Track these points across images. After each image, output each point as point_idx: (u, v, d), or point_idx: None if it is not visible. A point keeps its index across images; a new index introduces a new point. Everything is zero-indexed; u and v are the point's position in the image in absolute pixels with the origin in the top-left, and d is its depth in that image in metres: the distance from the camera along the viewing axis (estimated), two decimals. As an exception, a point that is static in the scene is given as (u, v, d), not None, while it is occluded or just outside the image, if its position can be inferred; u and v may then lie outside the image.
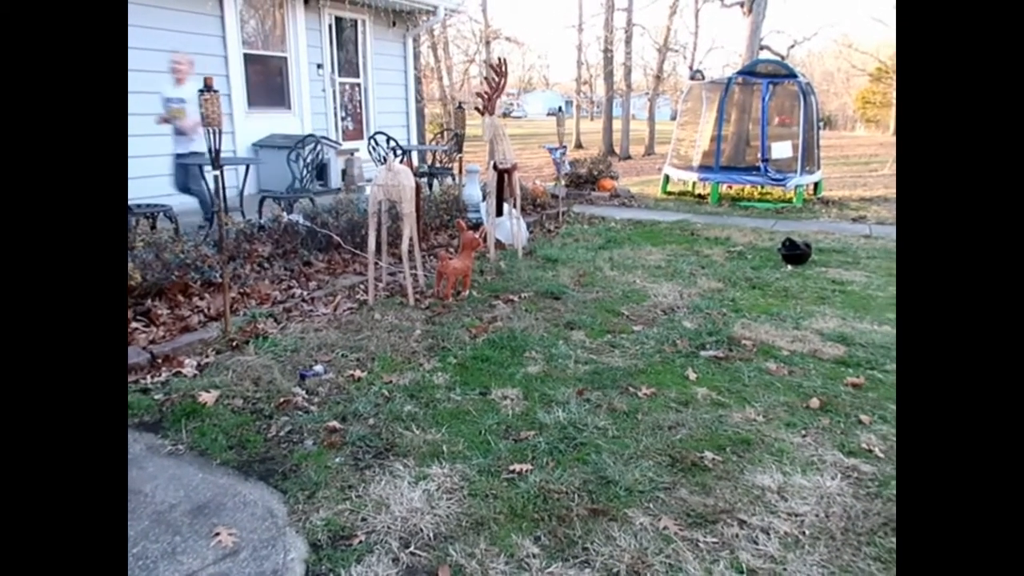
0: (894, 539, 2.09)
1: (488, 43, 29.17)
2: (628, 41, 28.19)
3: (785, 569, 1.97)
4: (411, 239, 4.66)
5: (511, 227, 6.19)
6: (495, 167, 5.74)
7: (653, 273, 5.62)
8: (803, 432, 2.83)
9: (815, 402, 3.10)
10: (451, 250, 5.78)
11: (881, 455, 2.63)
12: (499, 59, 5.69)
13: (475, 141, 15.91)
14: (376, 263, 4.82)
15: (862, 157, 21.19)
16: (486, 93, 5.57)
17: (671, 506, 2.29)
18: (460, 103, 10.36)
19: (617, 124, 28.08)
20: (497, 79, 5.53)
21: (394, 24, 10.02)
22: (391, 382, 3.31)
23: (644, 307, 4.64)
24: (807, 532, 2.14)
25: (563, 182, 9.34)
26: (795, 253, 6.07)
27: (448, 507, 2.27)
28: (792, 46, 27.53)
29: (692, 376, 3.42)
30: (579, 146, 29.03)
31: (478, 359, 3.61)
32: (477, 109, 5.65)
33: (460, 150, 8.16)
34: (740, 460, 2.60)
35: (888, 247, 6.91)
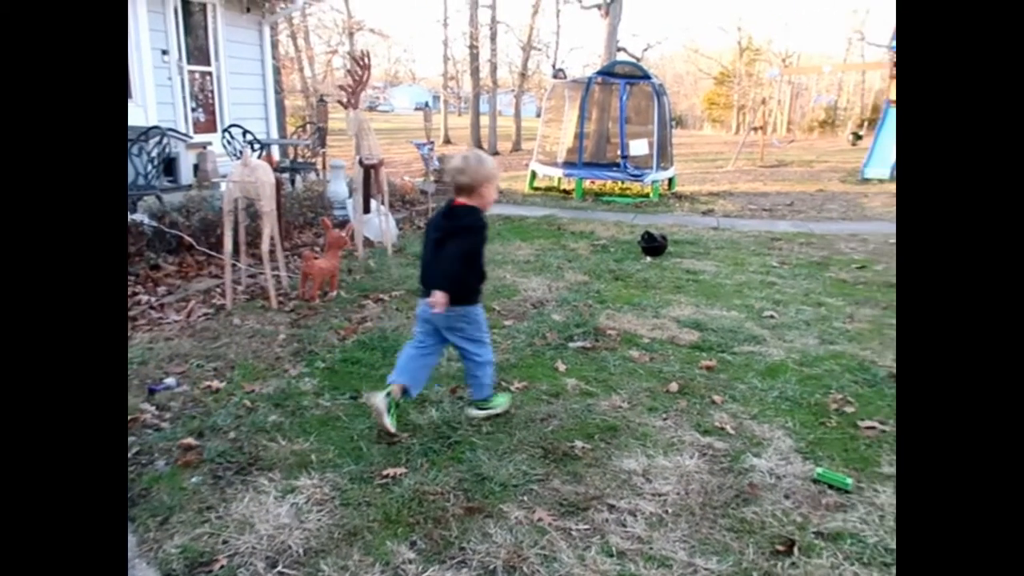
0: (745, 509, 2.27)
1: (351, 34, 28.33)
2: (493, 38, 28.48)
3: (651, 548, 2.07)
4: (272, 238, 4.42)
5: (379, 224, 6.06)
6: (361, 163, 5.58)
7: (523, 268, 5.73)
8: (664, 415, 3.00)
9: (674, 386, 3.30)
10: (316, 249, 5.55)
11: (732, 432, 2.85)
12: (362, 52, 5.54)
13: (340, 135, 15.38)
14: (234, 265, 4.53)
15: (709, 154, 22.87)
16: (349, 86, 5.40)
17: (545, 497, 2.34)
18: (322, 96, 9.99)
19: (484, 120, 28.32)
20: (360, 72, 5.38)
21: (248, 10, 9.44)
22: (253, 391, 3.12)
23: (514, 302, 4.71)
24: (670, 510, 2.27)
25: (432, 178, 9.29)
26: (653, 246, 6.43)
27: (319, 520, 2.18)
28: (646, 49, 29.17)
29: (562, 368, 3.52)
30: (447, 142, 28.99)
31: (348, 362, 3.49)
32: (340, 103, 5.46)
33: (324, 145, 7.86)
34: (608, 447, 2.71)
35: (733, 238, 7.51)
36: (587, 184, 10.96)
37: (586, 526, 2.18)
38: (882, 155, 13.74)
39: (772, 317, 4.51)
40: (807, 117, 44.37)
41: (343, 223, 5.89)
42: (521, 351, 3.75)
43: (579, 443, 2.71)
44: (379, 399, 2.68)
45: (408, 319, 4.22)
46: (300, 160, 8.62)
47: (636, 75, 10.95)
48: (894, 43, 14.52)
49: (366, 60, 5.38)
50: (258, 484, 2.38)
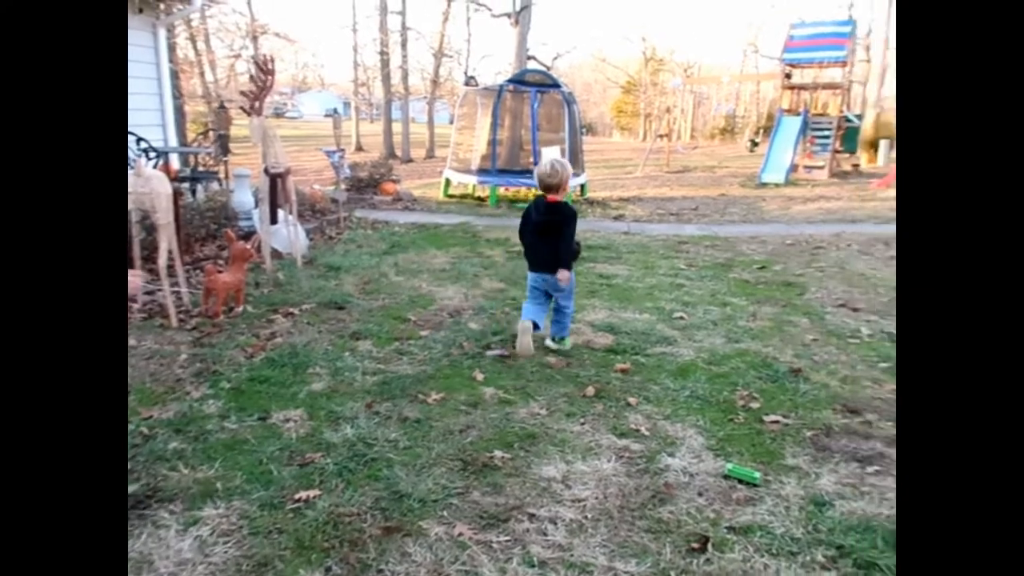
0: (662, 509, 2.32)
1: (255, 38, 27.33)
2: (404, 45, 28.23)
3: (572, 555, 2.08)
4: (170, 252, 4.17)
5: (288, 235, 5.84)
6: (267, 172, 5.36)
7: (439, 276, 5.67)
8: (582, 420, 3.03)
9: (591, 390, 3.34)
10: (220, 263, 5.28)
11: (647, 433, 2.91)
12: (266, 56, 5.33)
13: (244, 143, 14.78)
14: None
15: (619, 161, 23.56)
16: (252, 92, 5.19)
17: (465, 511, 2.30)
18: (222, 102, 9.51)
19: (397, 127, 27.99)
20: (264, 77, 5.18)
21: (141, 10, 8.91)
22: (151, 417, 2.92)
23: (431, 311, 4.66)
24: (589, 516, 2.29)
25: (343, 186, 9.07)
26: (568, 251, 6.52)
27: (225, 552, 2.06)
28: (556, 57, 29.73)
29: (479, 377, 3.50)
30: (359, 149, 28.45)
31: (256, 381, 3.33)
32: (243, 109, 5.23)
33: (226, 153, 7.52)
34: (527, 455, 2.70)
35: (643, 242, 7.74)
36: (501, 191, 11.02)
37: (507, 537, 2.17)
38: (777, 161, 14.58)
39: (682, 318, 4.67)
40: (708, 125, 46.60)
41: (249, 234, 5.64)
42: (438, 362, 3.70)
43: (498, 453, 2.69)
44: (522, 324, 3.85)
45: (320, 333, 4.08)
46: (202, 169, 8.20)
47: (546, 83, 11.13)
48: (785, 55, 15.47)
49: (270, 65, 5.19)
50: (157, 518, 2.22)
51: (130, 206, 4.03)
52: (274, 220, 5.52)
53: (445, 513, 2.29)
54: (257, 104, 5.15)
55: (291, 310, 4.49)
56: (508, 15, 19.92)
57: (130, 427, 2.81)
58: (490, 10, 22.79)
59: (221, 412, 2.99)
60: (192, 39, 23.57)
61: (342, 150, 7.85)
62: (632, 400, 3.24)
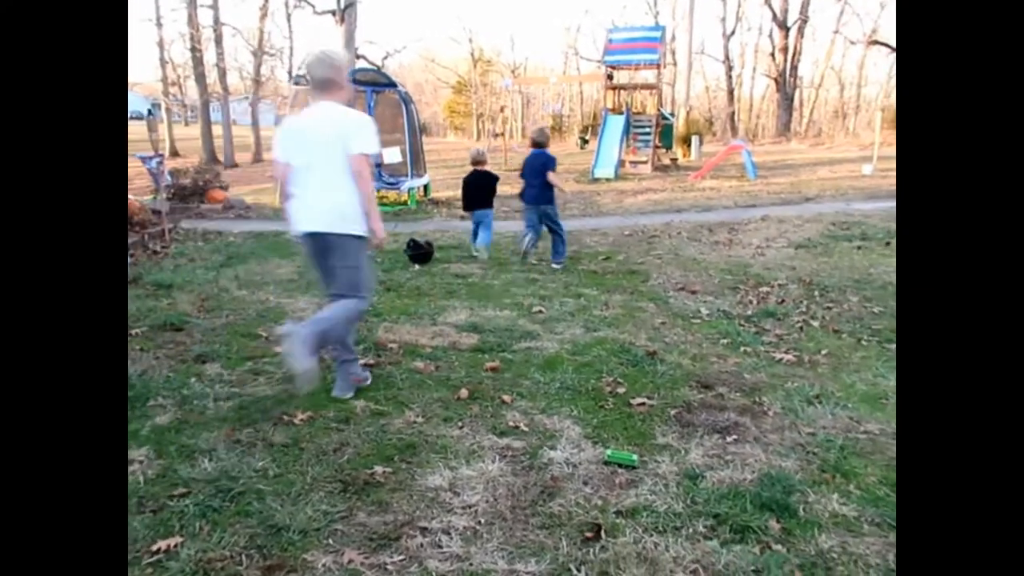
0: (552, 503, 2.34)
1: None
2: (219, 41, 26.29)
3: (471, 564, 2.03)
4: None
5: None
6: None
7: (287, 287, 5.33)
8: (460, 424, 2.98)
9: (464, 392, 3.30)
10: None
11: (526, 429, 2.93)
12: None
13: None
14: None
15: (457, 161, 23.69)
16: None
17: (351, 535, 2.17)
18: None
19: (217, 130, 26.04)
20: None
21: None
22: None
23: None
24: (482, 520, 2.25)
25: (164, 195, 8.23)
26: (420, 253, 6.44)
27: (72, 626, 1.76)
28: (386, 57, 29.24)
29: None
30: (175, 154, 26.08)
31: (84, 421, 2.90)
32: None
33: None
34: (409, 466, 2.60)
35: (492, 240, 7.84)
36: (342, 194, 10.64)
37: (401, 556, 2.06)
38: (606, 157, 15.48)
39: (541, 312, 4.77)
40: (537, 123, 48.25)
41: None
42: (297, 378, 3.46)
43: (379, 468, 2.56)
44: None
45: (157, 359, 3.65)
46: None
47: (381, 82, 10.89)
48: (606, 58, 16.45)
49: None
50: (-25, 600, 1.85)
51: None
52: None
53: (330, 541, 2.13)
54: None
55: (118, 337, 3.98)
56: (332, 12, 19.27)
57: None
58: (313, 6, 21.91)
59: (44, 463, 2.57)
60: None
61: (160, 155, 7.10)
62: (506, 398, 3.25)
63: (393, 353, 3.87)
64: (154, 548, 2.06)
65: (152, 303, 4.69)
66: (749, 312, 4.80)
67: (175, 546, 2.07)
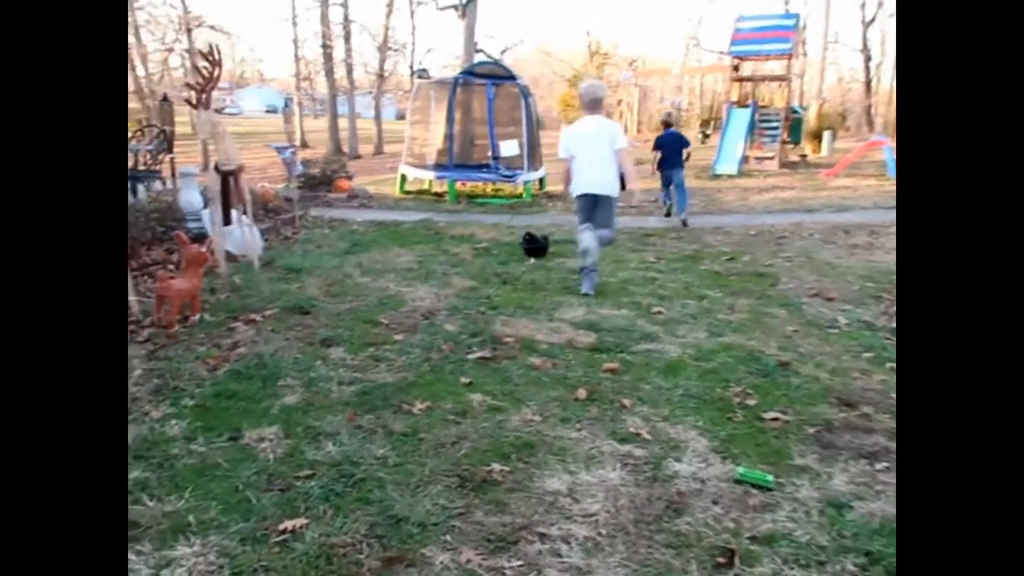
0: (678, 521, 2.19)
1: (189, 31, 26.19)
2: (347, 38, 27.56)
3: (592, 577, 1.92)
4: (116, 259, 3.82)
5: (243, 236, 5.50)
6: (217, 169, 5.02)
7: (406, 276, 5.44)
8: (578, 425, 2.87)
9: (582, 392, 3.19)
10: (171, 268, 4.93)
11: (648, 437, 2.78)
12: (211, 46, 4.98)
13: (184, 140, 14.10)
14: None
15: (571, 154, 23.54)
16: (199, 84, 4.84)
17: (469, 533, 2.12)
18: (165, 95, 8.84)
19: (343, 123, 27.32)
20: (211, 68, 4.83)
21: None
22: (106, 443, 2.62)
23: (403, 313, 4.43)
24: (604, 532, 2.14)
25: (295, 183, 8.69)
26: (535, 247, 6.38)
27: (206, 598, 1.82)
28: (504, 51, 29.47)
29: (464, 382, 3.31)
30: (305, 145, 27.66)
31: (222, 396, 3.06)
32: (188, 103, 4.88)
33: (170, 150, 7.07)
34: (527, 466, 2.53)
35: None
36: (459, 186, 10.80)
37: (519, 562, 1.99)
38: (729, 152, 14.78)
39: (660, 313, 4.57)
40: (654, 118, 47.01)
41: (200, 236, 5.28)
42: (418, 367, 3.49)
43: (496, 466, 2.51)
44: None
45: (287, 340, 3.81)
46: (142, 168, 7.69)
47: (501, 75, 10.94)
48: (732, 48, 15.68)
49: (216, 55, 4.84)
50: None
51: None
52: (227, 221, 5.18)
53: (448, 538, 2.10)
54: (204, 97, 4.81)
55: (253, 317, 4.20)
56: (455, 7, 19.63)
57: (82, 456, 2.52)
58: (436, 2, 22.44)
59: (186, 434, 2.72)
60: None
61: (294, 146, 7.50)
62: (626, 402, 3.11)
63: (509, 347, 3.83)
64: (281, 527, 2.11)
65: (284, 286, 4.92)
66: (895, 324, 4.36)
67: (300, 527, 2.11)
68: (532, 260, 6.21)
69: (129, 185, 7.07)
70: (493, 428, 2.82)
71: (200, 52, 5.40)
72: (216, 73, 4.88)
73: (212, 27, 31.20)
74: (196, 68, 4.80)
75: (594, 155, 5.00)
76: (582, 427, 2.87)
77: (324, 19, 26.25)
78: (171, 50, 27.14)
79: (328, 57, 26.62)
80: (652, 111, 47.85)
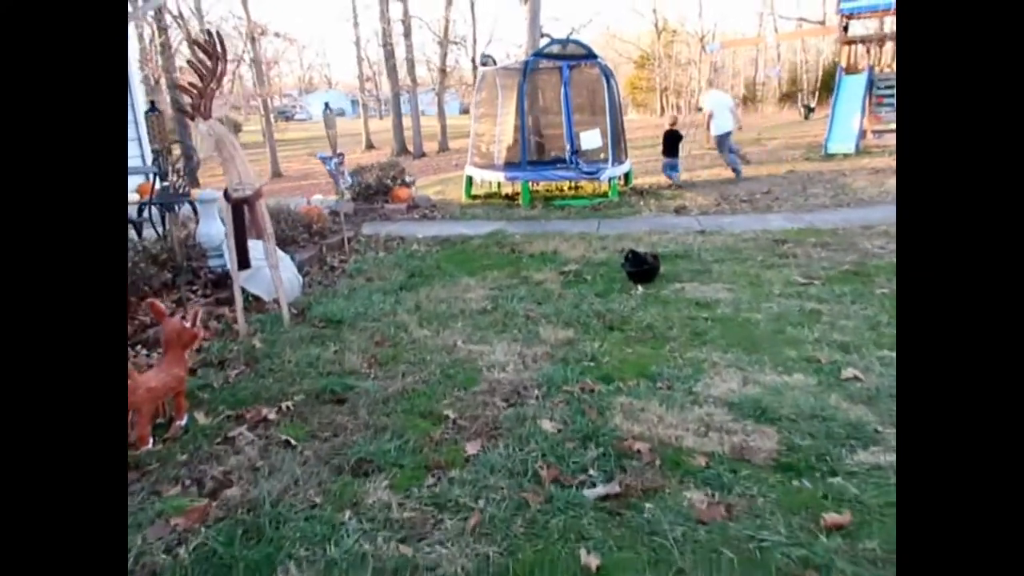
0: None
1: (254, 40, 25.91)
2: (407, 34, 26.72)
3: None
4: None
5: (270, 277, 4.29)
6: (227, 197, 3.81)
7: (478, 324, 4.09)
8: None
9: (803, 590, 1.76)
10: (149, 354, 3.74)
11: None
12: (210, 33, 3.75)
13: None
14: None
15: (646, 140, 21.70)
16: (196, 87, 3.62)
17: None
18: (152, 103, 7.57)
19: (407, 121, 26.59)
20: (210, 64, 3.61)
21: None
22: None
23: (476, 397, 3.07)
24: None
25: (347, 196, 7.52)
26: (643, 269, 4.90)
27: None
28: (571, 33, 27.80)
29: (589, 564, 1.91)
30: (371, 147, 27.07)
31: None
32: (183, 111, 3.68)
33: (192, 177, 5.96)
34: None
35: (728, 243, 6.07)
36: (533, 186, 9.39)
37: None
38: (843, 128, 12.71)
39: (857, 379, 3.04)
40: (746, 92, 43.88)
41: (223, 277, 4.11)
42: (507, 524, 2.11)
43: None
44: None
45: (304, 465, 2.51)
46: (171, 191, 6.65)
47: (579, 54, 9.39)
48: (843, 5, 13.51)
49: (216, 48, 3.60)
50: None
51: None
52: (245, 263, 3.96)
53: None
54: (204, 102, 3.58)
55: (265, 413, 2.94)
56: (517, -9, 18.20)
57: None
58: (497, -13, 21.04)
59: None
60: (164, 44, 21.98)
61: (340, 154, 6.30)
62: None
63: (644, 467, 2.40)
64: None
65: (316, 351, 3.65)
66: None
67: None
68: (640, 288, 4.74)
69: (155, 214, 6.04)
70: None
71: (196, 43, 4.22)
72: (219, 69, 3.65)
73: (277, 34, 31.04)
74: (189, 63, 3.58)
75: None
76: None
77: (383, 15, 25.45)
78: (240, 60, 26.96)
79: (389, 55, 25.83)
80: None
